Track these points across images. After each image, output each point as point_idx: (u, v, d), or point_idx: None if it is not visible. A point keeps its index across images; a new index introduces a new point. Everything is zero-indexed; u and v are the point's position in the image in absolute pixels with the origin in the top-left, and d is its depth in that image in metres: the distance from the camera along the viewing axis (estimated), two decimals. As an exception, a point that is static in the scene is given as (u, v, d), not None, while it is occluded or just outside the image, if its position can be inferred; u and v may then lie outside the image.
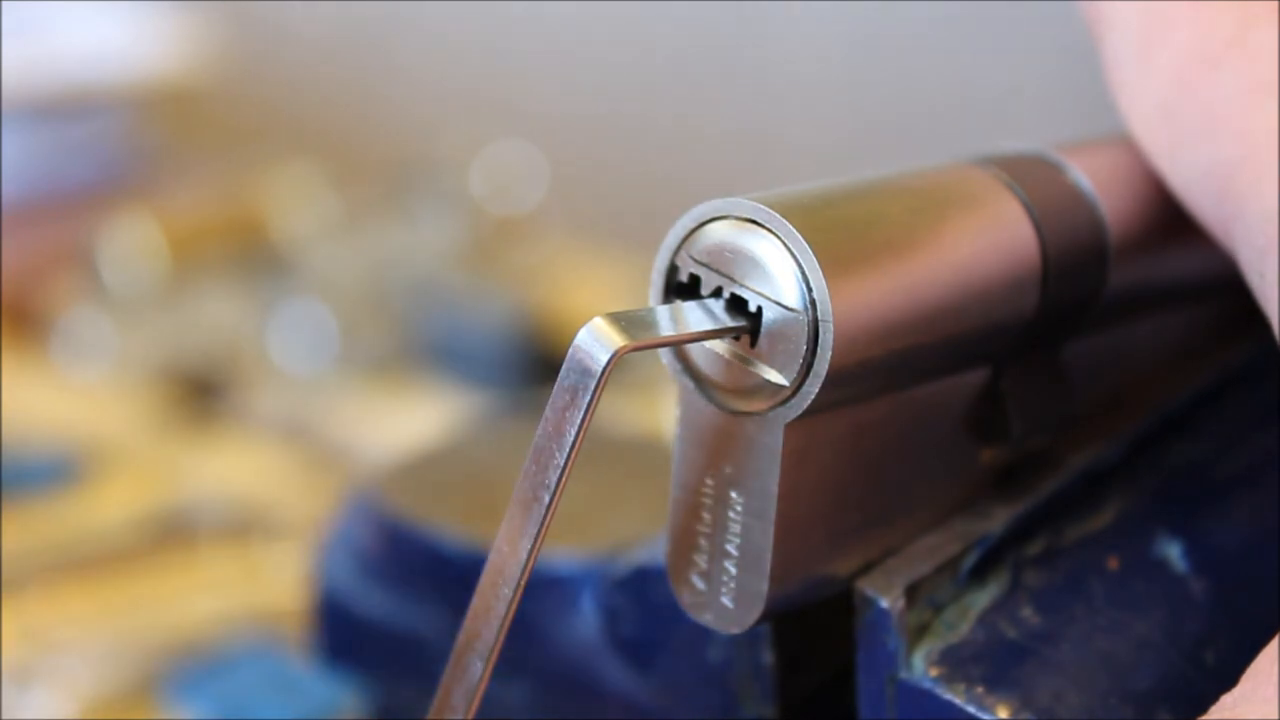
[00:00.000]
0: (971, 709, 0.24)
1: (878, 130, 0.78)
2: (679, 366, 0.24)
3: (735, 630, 0.25)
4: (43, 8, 0.76)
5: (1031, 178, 0.26)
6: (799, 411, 0.23)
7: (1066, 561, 0.26)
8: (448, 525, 0.34)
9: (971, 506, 0.27)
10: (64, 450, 0.53)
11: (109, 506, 0.51)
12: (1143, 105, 0.26)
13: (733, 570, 0.25)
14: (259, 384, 0.59)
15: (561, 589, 0.31)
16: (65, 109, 0.74)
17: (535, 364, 0.59)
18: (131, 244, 0.63)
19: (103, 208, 0.67)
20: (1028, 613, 0.25)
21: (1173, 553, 0.27)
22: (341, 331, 0.61)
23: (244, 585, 0.47)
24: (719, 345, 0.24)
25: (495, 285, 0.66)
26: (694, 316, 0.23)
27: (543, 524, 0.23)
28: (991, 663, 0.25)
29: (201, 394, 0.58)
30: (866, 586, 0.25)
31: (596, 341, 0.22)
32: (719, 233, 0.23)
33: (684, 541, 0.25)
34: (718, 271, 0.24)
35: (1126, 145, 0.27)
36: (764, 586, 0.24)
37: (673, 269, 0.24)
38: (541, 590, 0.31)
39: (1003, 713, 0.24)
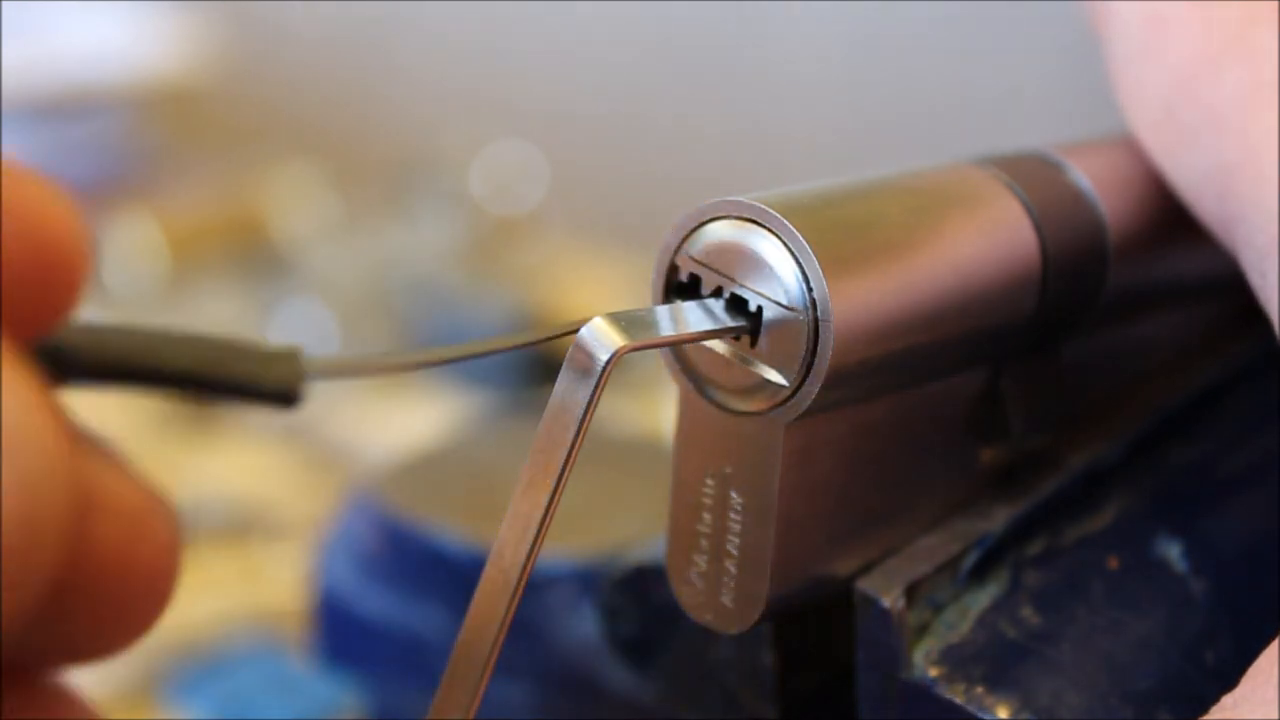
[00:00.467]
0: (971, 709, 0.24)
1: (878, 130, 0.78)
2: (679, 366, 0.24)
3: (735, 630, 0.25)
4: (43, 8, 0.76)
5: (1031, 178, 0.26)
6: (799, 411, 0.23)
7: (1066, 561, 0.26)
8: (448, 525, 0.34)
9: (971, 506, 0.27)
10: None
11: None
12: (1145, 105, 0.26)
13: (733, 570, 0.25)
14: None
15: (561, 589, 0.31)
16: (65, 109, 0.74)
17: (535, 364, 0.59)
18: (131, 244, 0.63)
19: (102, 208, 0.67)
20: (1028, 613, 0.25)
21: (1173, 553, 0.27)
22: (341, 331, 0.61)
23: (244, 585, 0.47)
24: (719, 345, 0.24)
25: (495, 285, 0.66)
26: (694, 316, 0.23)
27: (543, 524, 0.23)
28: (991, 663, 0.25)
29: (201, 394, 0.58)
30: (866, 586, 0.25)
31: (596, 341, 0.22)
32: (719, 232, 0.23)
33: (684, 542, 0.25)
34: (718, 271, 0.23)
35: (1127, 145, 0.27)
36: (764, 587, 0.24)
37: (673, 269, 0.24)
38: (541, 590, 0.31)
39: (1003, 713, 0.24)
